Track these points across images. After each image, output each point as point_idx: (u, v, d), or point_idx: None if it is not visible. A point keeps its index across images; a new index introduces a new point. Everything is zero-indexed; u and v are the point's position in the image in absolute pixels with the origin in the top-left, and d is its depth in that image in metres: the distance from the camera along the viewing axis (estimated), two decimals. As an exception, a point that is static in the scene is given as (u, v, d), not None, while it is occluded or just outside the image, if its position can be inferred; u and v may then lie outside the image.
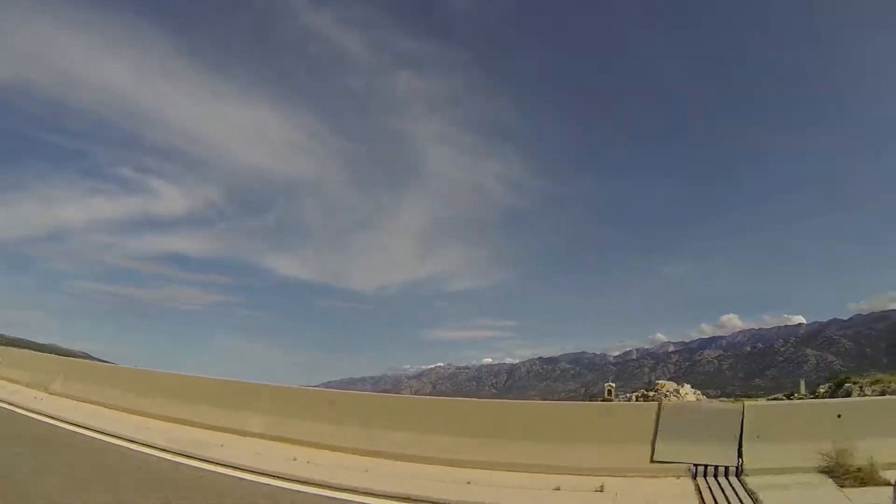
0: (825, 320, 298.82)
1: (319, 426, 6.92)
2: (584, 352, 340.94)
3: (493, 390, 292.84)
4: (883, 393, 34.70)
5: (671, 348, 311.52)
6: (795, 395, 49.40)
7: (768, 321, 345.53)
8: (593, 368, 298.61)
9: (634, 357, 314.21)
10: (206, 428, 7.50)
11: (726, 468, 5.52)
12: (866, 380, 38.97)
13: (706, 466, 5.58)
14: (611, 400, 45.22)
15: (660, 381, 37.93)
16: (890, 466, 5.04)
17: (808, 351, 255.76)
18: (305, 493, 4.77)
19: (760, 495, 4.84)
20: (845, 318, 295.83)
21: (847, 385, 39.42)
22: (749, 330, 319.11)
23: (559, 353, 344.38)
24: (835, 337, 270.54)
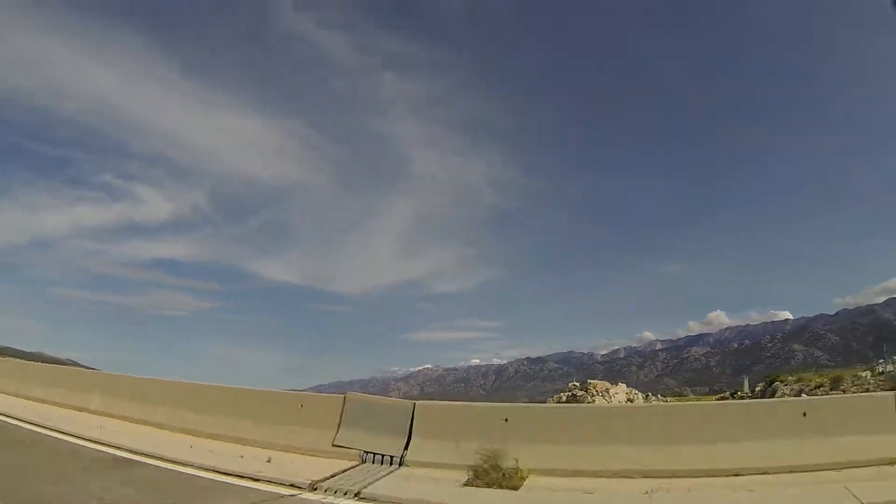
0: (812, 316, 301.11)
1: (126, 404, 8.91)
2: (571, 351, 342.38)
3: (482, 391, 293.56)
4: (800, 392, 35.76)
5: (659, 346, 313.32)
6: (739, 393, 50.49)
7: (755, 317, 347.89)
8: (581, 368, 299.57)
9: (622, 356, 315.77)
10: (59, 406, 9.48)
11: (391, 457, 6.25)
12: (792, 377, 40.07)
13: (375, 454, 6.34)
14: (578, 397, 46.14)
15: (592, 381, 38.85)
16: (544, 473, 5.64)
17: (796, 346, 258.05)
18: (94, 448, 6.74)
19: (381, 482, 5.47)
20: (832, 313, 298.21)
21: (776, 383, 40.58)
22: (736, 327, 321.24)
23: (547, 353, 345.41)
24: (821, 332, 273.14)
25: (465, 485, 5.49)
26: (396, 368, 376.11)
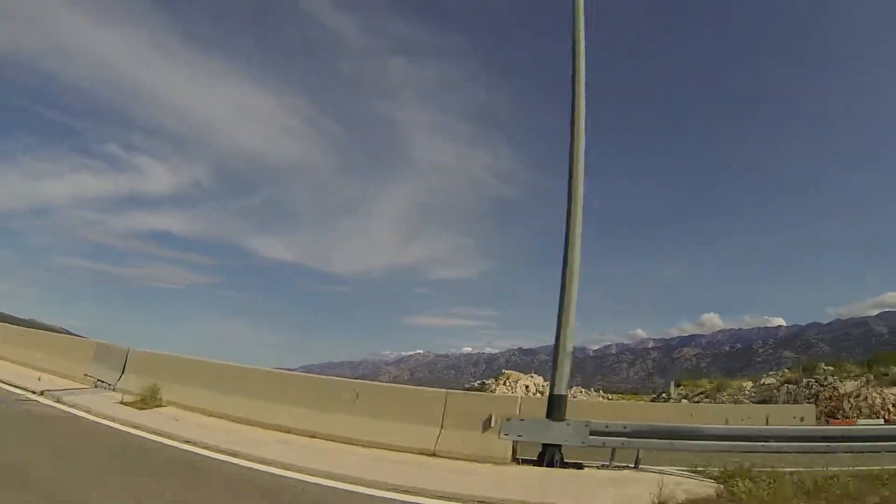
0: (805, 324, 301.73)
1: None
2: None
3: (472, 379, 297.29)
4: (684, 397, 39.51)
5: (651, 344, 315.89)
6: (664, 395, 54.20)
7: (748, 321, 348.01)
8: (573, 361, 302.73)
9: (614, 352, 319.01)
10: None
11: (109, 384, 9.87)
12: (686, 382, 43.96)
13: (102, 381, 10.01)
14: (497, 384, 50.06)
15: (506, 371, 42.63)
16: (184, 408, 8.55)
17: (786, 353, 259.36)
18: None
19: (81, 395, 8.71)
20: (825, 322, 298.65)
21: (680, 387, 44.47)
22: (729, 329, 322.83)
23: (539, 345, 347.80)
24: (813, 340, 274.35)
25: (118, 402, 8.70)
26: (388, 352, 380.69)
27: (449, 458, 7.07)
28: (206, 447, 6.44)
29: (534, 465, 7.03)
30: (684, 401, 38.35)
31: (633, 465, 6.99)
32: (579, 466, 7.05)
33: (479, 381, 42.27)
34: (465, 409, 7.47)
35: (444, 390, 8.09)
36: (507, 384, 39.04)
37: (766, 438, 6.87)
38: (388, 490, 5.21)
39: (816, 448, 6.67)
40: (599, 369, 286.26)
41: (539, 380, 44.12)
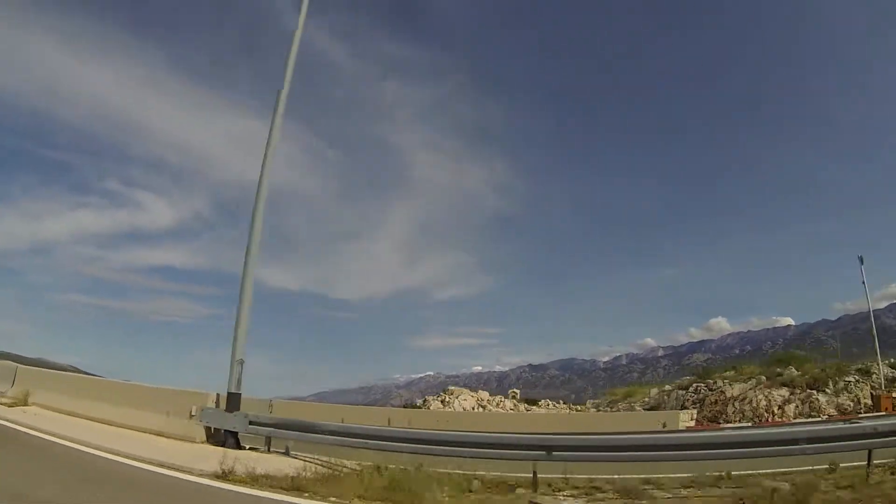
0: (813, 321, 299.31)
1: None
2: (573, 358, 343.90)
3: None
4: (598, 405, 44.40)
5: (660, 353, 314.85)
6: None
7: (756, 323, 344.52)
8: (583, 374, 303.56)
9: (624, 362, 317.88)
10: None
11: (3, 392, 13.36)
12: (606, 392, 49.01)
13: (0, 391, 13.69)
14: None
15: (451, 388, 47.40)
16: (46, 408, 11.92)
17: (797, 352, 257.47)
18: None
19: None
20: (833, 318, 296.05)
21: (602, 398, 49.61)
22: (738, 333, 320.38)
23: (548, 360, 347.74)
24: (823, 337, 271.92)
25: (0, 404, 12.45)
26: (398, 375, 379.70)
27: (169, 437, 9.54)
28: (20, 424, 10.11)
29: (214, 445, 8.80)
30: (592, 409, 43.16)
31: (284, 452, 8.61)
32: (250, 449, 8.67)
33: (422, 399, 47.52)
34: (182, 402, 10.13)
35: (170, 388, 11.09)
36: (447, 400, 44.05)
37: (359, 436, 8.14)
38: (106, 452, 8.59)
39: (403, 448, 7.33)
40: (610, 381, 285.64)
41: (484, 394, 48.82)
